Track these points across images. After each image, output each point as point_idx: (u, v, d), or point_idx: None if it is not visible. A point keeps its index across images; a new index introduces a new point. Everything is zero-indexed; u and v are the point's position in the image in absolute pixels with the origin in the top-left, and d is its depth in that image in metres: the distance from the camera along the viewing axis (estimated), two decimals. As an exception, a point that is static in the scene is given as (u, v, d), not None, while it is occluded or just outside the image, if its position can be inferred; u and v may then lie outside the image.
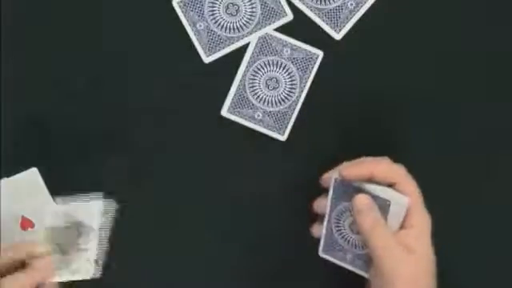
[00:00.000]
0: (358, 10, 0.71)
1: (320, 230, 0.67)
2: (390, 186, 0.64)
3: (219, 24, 0.71)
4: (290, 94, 0.71)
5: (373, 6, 0.71)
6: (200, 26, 0.70)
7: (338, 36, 0.71)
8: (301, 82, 0.71)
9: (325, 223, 0.67)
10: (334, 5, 0.71)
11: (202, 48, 0.71)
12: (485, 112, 0.72)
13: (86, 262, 0.70)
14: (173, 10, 0.70)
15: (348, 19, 0.71)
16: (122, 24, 0.71)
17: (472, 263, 0.72)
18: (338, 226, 0.66)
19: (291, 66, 0.71)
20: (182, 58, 0.71)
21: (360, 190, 0.64)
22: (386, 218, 0.64)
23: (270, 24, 0.71)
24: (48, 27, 0.70)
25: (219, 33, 0.71)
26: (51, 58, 0.70)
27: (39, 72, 0.70)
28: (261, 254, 0.73)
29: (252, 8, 0.70)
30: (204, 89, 0.71)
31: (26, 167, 0.69)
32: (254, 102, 0.71)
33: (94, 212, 0.69)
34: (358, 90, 0.72)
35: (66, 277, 0.70)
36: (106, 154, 0.71)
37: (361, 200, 0.63)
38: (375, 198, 0.63)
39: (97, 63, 0.71)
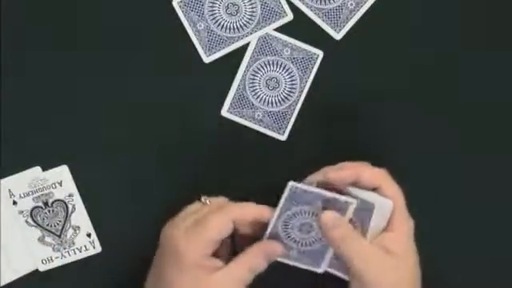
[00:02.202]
0: (358, 10, 0.71)
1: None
2: (374, 189, 0.63)
3: (219, 24, 0.70)
4: (290, 94, 0.71)
5: (373, 6, 0.71)
6: (200, 25, 0.70)
7: (337, 36, 0.71)
8: (301, 82, 0.71)
9: (269, 227, 0.64)
10: (333, 5, 0.71)
11: (202, 48, 0.71)
12: (485, 112, 0.72)
13: (85, 239, 0.71)
14: (173, 10, 0.70)
15: (348, 19, 0.71)
16: (122, 24, 0.70)
17: (472, 263, 0.72)
18: (285, 229, 0.65)
19: (291, 65, 0.71)
20: (182, 57, 0.71)
21: (319, 197, 0.63)
22: (370, 221, 0.63)
23: (270, 24, 0.71)
24: (48, 27, 0.70)
25: (219, 33, 0.71)
26: (51, 58, 0.70)
27: (39, 72, 0.70)
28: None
29: (252, 8, 0.70)
30: (204, 89, 0.71)
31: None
32: (253, 102, 0.71)
33: (61, 178, 0.70)
34: (357, 89, 0.72)
35: (69, 258, 0.70)
36: (106, 155, 0.71)
37: (327, 216, 0.61)
38: (360, 200, 0.63)
39: (97, 63, 0.71)
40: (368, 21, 0.71)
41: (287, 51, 0.71)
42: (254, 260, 0.62)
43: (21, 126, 0.70)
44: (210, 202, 0.65)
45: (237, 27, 0.71)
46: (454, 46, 0.71)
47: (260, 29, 0.71)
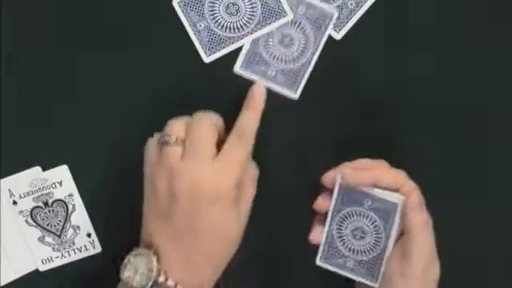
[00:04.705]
0: (358, 10, 0.71)
1: (318, 236, 0.67)
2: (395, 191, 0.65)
3: (219, 24, 0.70)
4: (303, 53, 0.70)
5: (373, 6, 0.70)
6: (200, 25, 0.70)
7: (338, 36, 0.71)
8: (314, 42, 0.70)
9: (326, 228, 0.66)
10: (333, 5, 0.70)
11: (202, 48, 0.71)
12: (485, 112, 0.72)
13: (85, 239, 0.71)
14: (173, 10, 0.70)
15: (348, 19, 0.71)
16: (122, 24, 0.70)
17: (472, 263, 0.72)
18: (339, 232, 0.66)
19: (305, 24, 0.70)
20: (182, 57, 0.71)
21: (366, 194, 0.64)
22: (394, 220, 0.64)
23: (270, 24, 0.70)
24: (48, 27, 0.70)
25: (219, 32, 0.71)
26: (51, 58, 0.70)
27: (39, 72, 0.70)
28: (259, 255, 0.73)
29: (252, 8, 0.70)
30: (204, 89, 0.71)
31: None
32: (267, 59, 0.71)
33: (61, 177, 0.70)
34: (357, 90, 0.72)
35: (69, 258, 0.71)
36: (106, 155, 0.71)
37: (416, 197, 0.64)
38: (383, 201, 0.64)
39: (97, 63, 0.71)
40: (368, 21, 0.71)
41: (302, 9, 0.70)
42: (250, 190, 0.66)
43: (21, 125, 0.71)
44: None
45: (237, 27, 0.71)
46: (454, 46, 0.71)
47: (260, 29, 0.70)
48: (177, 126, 0.65)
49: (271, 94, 0.71)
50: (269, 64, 0.71)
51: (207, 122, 0.65)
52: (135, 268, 0.63)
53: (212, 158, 0.63)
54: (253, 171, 0.67)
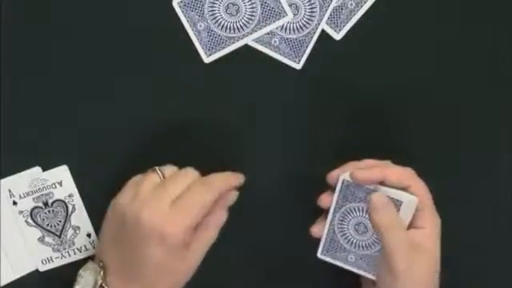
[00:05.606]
0: (358, 10, 0.71)
1: (320, 230, 0.67)
2: (402, 189, 0.65)
3: (219, 24, 0.70)
4: (309, 21, 0.70)
5: (373, 6, 0.71)
6: (200, 26, 0.70)
7: (337, 36, 0.71)
8: (320, 11, 0.70)
9: (327, 223, 0.67)
10: (333, 5, 0.70)
11: (202, 48, 0.71)
12: (485, 112, 0.72)
13: (85, 239, 0.71)
14: (173, 9, 0.70)
15: (348, 19, 0.71)
16: (122, 24, 0.70)
17: (472, 263, 0.72)
18: (341, 227, 0.66)
19: None
20: (182, 57, 0.71)
21: (368, 191, 0.64)
22: None
23: (270, 24, 0.71)
24: (48, 27, 0.70)
25: (219, 33, 0.71)
26: (51, 58, 0.70)
27: (39, 72, 0.70)
28: (261, 253, 0.73)
29: (252, 8, 0.70)
30: (204, 89, 0.71)
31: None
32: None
33: (61, 178, 0.70)
34: (357, 90, 0.72)
35: (69, 258, 0.71)
36: (106, 155, 0.71)
37: (378, 198, 0.63)
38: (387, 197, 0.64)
39: (97, 63, 0.70)
40: (368, 21, 0.71)
41: None
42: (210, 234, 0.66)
43: (21, 125, 0.70)
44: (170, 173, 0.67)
45: (237, 27, 0.71)
46: (454, 45, 0.71)
47: (260, 29, 0.71)
48: (184, 179, 0.66)
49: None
50: (273, 32, 0.70)
51: (209, 199, 0.65)
52: (85, 281, 0.65)
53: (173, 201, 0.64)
54: (220, 217, 0.67)
